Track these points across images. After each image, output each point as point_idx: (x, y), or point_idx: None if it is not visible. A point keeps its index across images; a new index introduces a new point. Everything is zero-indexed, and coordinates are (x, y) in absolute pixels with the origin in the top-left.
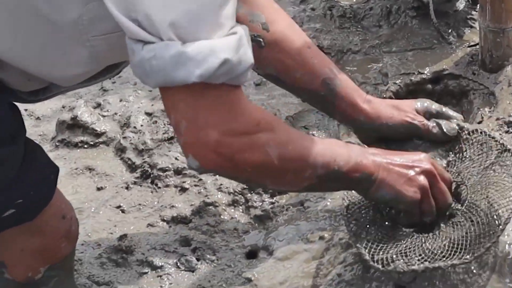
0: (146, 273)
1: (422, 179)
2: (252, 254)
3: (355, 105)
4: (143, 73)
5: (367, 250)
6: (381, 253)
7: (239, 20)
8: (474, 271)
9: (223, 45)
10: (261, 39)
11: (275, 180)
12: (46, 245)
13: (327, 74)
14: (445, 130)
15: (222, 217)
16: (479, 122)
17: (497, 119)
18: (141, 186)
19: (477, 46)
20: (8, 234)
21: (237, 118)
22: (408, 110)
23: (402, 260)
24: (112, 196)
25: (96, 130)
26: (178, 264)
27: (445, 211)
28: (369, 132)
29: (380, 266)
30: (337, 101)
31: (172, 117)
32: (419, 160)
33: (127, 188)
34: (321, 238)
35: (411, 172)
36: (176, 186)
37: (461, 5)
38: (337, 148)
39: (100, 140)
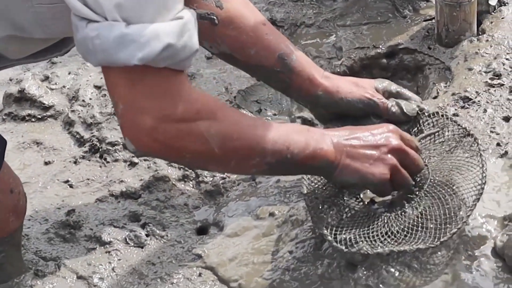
0: (94, 248)
1: (389, 157)
2: (202, 230)
3: (312, 79)
4: (86, 51)
5: (329, 231)
6: (344, 233)
7: None
8: (429, 249)
9: (167, 29)
10: (214, 17)
11: (218, 166)
12: None
13: (283, 49)
14: (405, 110)
15: (172, 192)
16: (435, 97)
17: (453, 94)
18: (89, 160)
19: (433, 20)
20: None
21: (175, 105)
22: (368, 87)
23: (366, 242)
24: (60, 171)
25: (44, 104)
26: (127, 239)
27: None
28: (326, 108)
29: (343, 248)
30: (294, 76)
31: (111, 97)
32: (386, 137)
33: (75, 162)
34: (271, 214)
35: (377, 153)
36: (125, 161)
37: None
38: (293, 135)
39: (48, 113)
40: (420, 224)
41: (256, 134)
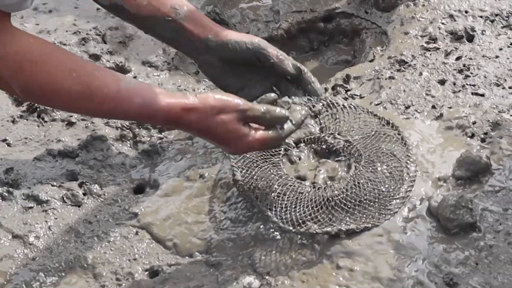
0: (31, 207)
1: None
2: (138, 189)
3: (205, 26)
4: None
5: (273, 212)
6: (289, 212)
7: None
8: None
9: None
10: None
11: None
12: None
13: (175, 1)
14: (296, 63)
15: (109, 151)
16: (371, 61)
17: (389, 57)
18: (27, 120)
19: None
20: None
21: None
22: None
23: (313, 221)
24: None
25: None
26: (65, 198)
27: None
28: (214, 53)
29: (291, 228)
30: (186, 23)
31: None
32: (225, 119)
33: (13, 121)
34: (201, 176)
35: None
36: (63, 120)
37: None
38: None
39: None
40: (362, 200)
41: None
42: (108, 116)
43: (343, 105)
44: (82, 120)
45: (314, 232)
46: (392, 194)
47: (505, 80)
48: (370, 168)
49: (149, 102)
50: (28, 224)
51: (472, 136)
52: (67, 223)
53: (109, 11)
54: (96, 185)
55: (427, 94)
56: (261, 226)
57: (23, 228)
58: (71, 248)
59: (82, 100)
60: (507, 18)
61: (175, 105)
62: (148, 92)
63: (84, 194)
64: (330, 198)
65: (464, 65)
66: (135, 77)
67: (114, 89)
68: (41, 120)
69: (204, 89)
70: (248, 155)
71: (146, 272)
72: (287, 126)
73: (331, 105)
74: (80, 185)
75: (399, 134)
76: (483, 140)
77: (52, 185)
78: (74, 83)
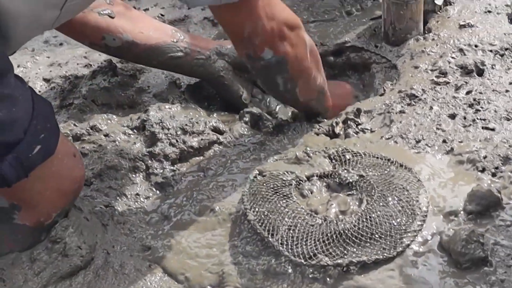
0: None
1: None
2: (152, 221)
3: (208, 40)
4: None
5: (284, 246)
6: (299, 245)
7: None
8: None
9: None
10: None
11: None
12: (63, 186)
13: (172, 28)
14: None
15: (124, 181)
16: (381, 95)
17: (399, 91)
18: None
19: (380, 19)
20: (30, 176)
21: (291, 14)
22: None
23: (324, 254)
24: None
25: None
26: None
27: None
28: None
29: (302, 261)
30: (190, 39)
31: (246, 27)
32: None
33: None
34: (212, 210)
35: None
36: None
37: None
38: None
39: None
40: (374, 234)
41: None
42: None
43: (356, 152)
44: (95, 151)
45: (326, 264)
46: (403, 228)
47: None
48: (382, 202)
49: None
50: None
51: (483, 170)
52: None
53: (115, 56)
54: (116, 211)
55: (437, 128)
56: (273, 260)
57: None
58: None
59: None
60: None
61: None
62: None
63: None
64: (342, 232)
65: (474, 99)
66: (146, 110)
67: None
68: None
69: (215, 122)
70: (258, 190)
71: None
72: None
73: (342, 155)
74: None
75: (410, 170)
76: (494, 175)
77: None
78: None
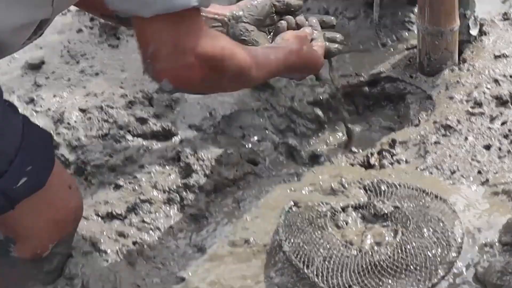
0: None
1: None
2: (186, 253)
3: None
4: (140, 3)
5: (320, 278)
6: (335, 277)
7: None
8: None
9: None
10: None
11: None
12: (58, 218)
13: None
14: None
15: (157, 214)
16: (416, 125)
17: (434, 122)
18: None
19: (415, 49)
20: (20, 208)
21: (207, 41)
22: None
23: (359, 285)
24: None
25: None
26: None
27: None
28: None
29: None
30: None
31: (150, 46)
32: None
33: None
34: (247, 241)
35: None
36: (110, 183)
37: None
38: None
39: None
40: (409, 266)
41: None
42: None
43: (391, 183)
44: (130, 183)
45: None
46: (438, 260)
47: None
48: (417, 234)
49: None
50: None
51: None
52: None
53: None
54: (146, 247)
55: (472, 159)
56: None
57: None
58: None
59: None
60: None
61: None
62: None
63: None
64: (377, 263)
65: (509, 130)
66: (181, 141)
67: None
68: (88, 182)
69: (250, 153)
70: (293, 221)
71: None
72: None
73: (377, 186)
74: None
75: (445, 202)
76: None
77: (109, 237)
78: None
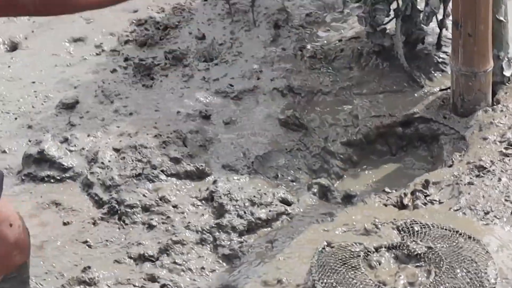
0: None
1: None
2: None
3: None
4: None
5: None
6: None
7: None
8: None
9: None
10: None
11: None
12: None
13: None
14: None
15: (189, 255)
16: (450, 166)
17: (468, 163)
18: (108, 222)
19: (449, 90)
20: None
21: None
22: None
23: None
24: (79, 231)
25: (63, 165)
26: None
27: None
28: None
29: None
30: None
31: None
32: None
33: (94, 223)
34: (279, 281)
35: None
36: (143, 223)
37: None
38: None
39: (67, 175)
40: None
41: None
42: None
43: (424, 224)
44: (163, 223)
45: None
46: None
47: None
48: (450, 274)
49: None
50: None
51: None
52: None
53: None
54: None
55: (506, 200)
56: None
57: None
58: None
59: None
60: None
61: None
62: None
63: None
64: None
65: None
66: (215, 181)
67: None
68: (121, 222)
69: (283, 193)
70: (326, 261)
71: None
72: None
73: (410, 226)
74: None
75: (478, 242)
76: None
77: (134, 286)
78: None
